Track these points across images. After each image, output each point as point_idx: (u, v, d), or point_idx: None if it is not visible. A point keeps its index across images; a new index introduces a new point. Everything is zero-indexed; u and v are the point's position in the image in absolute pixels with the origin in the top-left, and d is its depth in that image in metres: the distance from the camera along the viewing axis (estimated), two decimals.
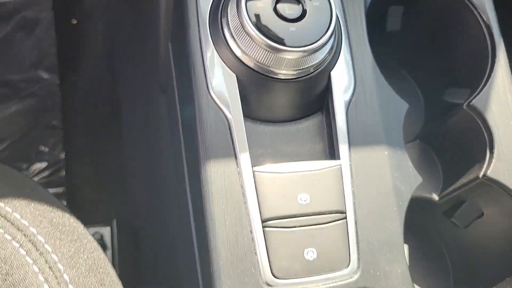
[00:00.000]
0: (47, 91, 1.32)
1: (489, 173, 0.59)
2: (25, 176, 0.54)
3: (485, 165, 0.59)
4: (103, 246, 0.93)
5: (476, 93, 0.60)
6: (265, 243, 0.49)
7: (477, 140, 0.61)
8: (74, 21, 1.38)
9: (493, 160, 0.59)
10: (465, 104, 0.61)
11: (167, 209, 0.65)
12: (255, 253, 0.49)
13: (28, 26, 1.35)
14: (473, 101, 0.60)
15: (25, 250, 0.44)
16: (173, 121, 0.58)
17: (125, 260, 0.87)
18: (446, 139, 0.66)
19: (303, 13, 0.50)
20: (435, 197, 0.66)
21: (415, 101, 0.72)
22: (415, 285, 0.56)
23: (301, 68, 0.51)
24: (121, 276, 0.51)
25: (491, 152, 0.59)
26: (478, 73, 0.62)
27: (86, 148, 1.21)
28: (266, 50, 0.49)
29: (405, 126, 0.68)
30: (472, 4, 0.62)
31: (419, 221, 0.70)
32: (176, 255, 0.62)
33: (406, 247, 0.71)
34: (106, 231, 0.97)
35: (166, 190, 0.64)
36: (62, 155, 1.27)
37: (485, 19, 0.62)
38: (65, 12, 1.36)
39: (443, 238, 0.69)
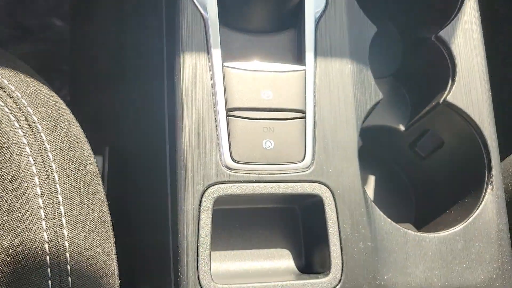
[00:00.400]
0: (58, 37, 1.39)
1: (448, 98, 0.62)
2: (20, 60, 0.60)
3: (446, 92, 0.63)
4: None
5: (444, 26, 0.64)
6: (227, 130, 0.54)
7: (442, 70, 0.65)
8: None
9: (454, 87, 0.63)
10: (433, 36, 0.64)
11: (150, 120, 0.69)
12: (217, 138, 0.53)
13: None
14: (440, 32, 0.64)
15: (8, 109, 0.50)
16: (161, 29, 0.63)
17: (114, 183, 0.92)
18: (415, 73, 0.70)
19: None
20: (402, 128, 0.70)
21: (393, 41, 0.75)
22: (392, 222, 0.59)
23: None
24: (110, 198, 0.56)
25: (453, 80, 0.63)
26: (448, 9, 0.66)
27: (89, 91, 1.27)
28: None
29: (381, 63, 0.73)
30: None
31: (387, 155, 0.74)
32: (153, 160, 0.66)
33: (372, 178, 0.75)
34: (99, 159, 1.03)
35: (149, 102, 0.69)
36: (67, 98, 1.34)
37: None
38: None
39: (407, 170, 0.73)
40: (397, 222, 0.60)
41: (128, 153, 0.81)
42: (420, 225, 0.68)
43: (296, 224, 0.60)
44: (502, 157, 0.77)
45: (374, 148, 0.73)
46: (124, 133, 0.87)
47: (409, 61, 0.72)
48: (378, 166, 0.75)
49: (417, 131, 0.69)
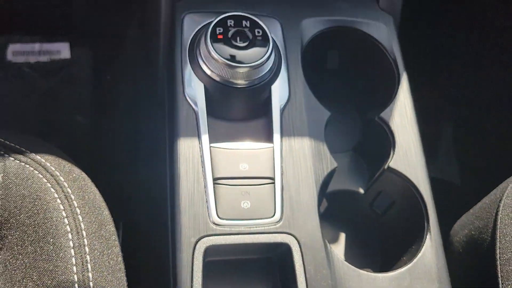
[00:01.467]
0: (80, 131, 1.60)
1: (391, 164, 0.79)
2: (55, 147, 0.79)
3: (389, 160, 0.79)
4: None
5: (384, 109, 0.82)
6: (214, 195, 0.70)
7: (386, 143, 0.82)
8: (108, 77, 1.69)
9: (394, 155, 0.79)
10: (376, 117, 0.82)
11: (156, 192, 0.86)
12: (206, 201, 0.70)
13: (71, 80, 1.67)
14: (381, 114, 0.82)
15: (50, 184, 0.67)
16: (164, 121, 0.82)
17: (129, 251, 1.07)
18: (369, 147, 0.87)
19: (250, 43, 0.74)
20: (362, 191, 0.86)
21: (352, 120, 0.94)
22: (349, 264, 0.74)
23: (249, 79, 0.74)
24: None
25: (393, 150, 0.80)
26: (388, 95, 0.84)
27: (107, 175, 1.46)
28: (225, 67, 0.73)
29: (344, 139, 0.91)
30: (385, 48, 0.86)
31: (353, 214, 0.89)
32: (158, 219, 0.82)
33: (343, 234, 0.89)
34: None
35: (155, 177, 0.86)
36: None
37: (392, 57, 0.85)
38: (102, 69, 1.68)
39: (370, 225, 0.87)
40: (363, 268, 0.74)
41: (139, 224, 0.97)
42: (381, 270, 0.81)
43: (274, 270, 0.74)
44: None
45: (342, 208, 0.88)
46: (137, 207, 1.04)
47: (364, 137, 0.89)
48: (347, 224, 0.89)
49: (373, 193, 0.85)
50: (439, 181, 1.71)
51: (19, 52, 1.67)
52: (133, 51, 1.56)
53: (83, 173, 0.74)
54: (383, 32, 0.87)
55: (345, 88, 0.93)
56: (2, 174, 0.67)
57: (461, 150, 1.78)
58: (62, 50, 1.70)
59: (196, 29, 0.80)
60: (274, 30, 0.83)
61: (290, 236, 0.70)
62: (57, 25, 1.70)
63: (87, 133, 1.61)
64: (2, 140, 0.71)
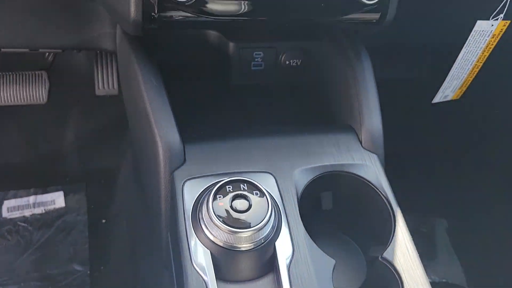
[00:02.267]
0: (79, 281, 1.57)
1: None
2: None
3: None
4: None
5: (386, 247, 0.85)
6: None
7: (394, 282, 0.83)
8: (104, 221, 1.71)
9: None
10: (379, 257, 0.84)
11: None
12: None
13: (67, 229, 1.67)
14: (384, 253, 0.84)
15: None
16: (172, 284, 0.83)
17: None
18: (376, 285, 0.88)
19: (250, 206, 0.78)
20: None
21: (357, 258, 0.95)
22: None
23: (254, 241, 0.77)
24: None
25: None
26: (386, 234, 0.87)
27: None
28: (228, 233, 0.76)
29: (349, 279, 0.92)
30: (374, 186, 0.91)
31: None
32: None
33: None
34: None
35: None
36: None
37: (384, 195, 0.90)
38: (97, 214, 1.69)
39: None
40: None
41: None
42: None
43: None
44: None
45: None
46: None
47: (371, 275, 0.90)
48: None
49: None
50: (443, 286, 1.69)
51: (14, 207, 1.68)
52: (127, 194, 1.59)
53: None
54: (370, 170, 0.92)
55: (345, 228, 0.96)
56: None
57: (459, 245, 1.79)
58: (57, 200, 1.73)
59: (197, 195, 0.84)
60: (269, 185, 0.87)
61: None
62: (50, 175, 1.74)
63: (85, 282, 1.59)
64: None
